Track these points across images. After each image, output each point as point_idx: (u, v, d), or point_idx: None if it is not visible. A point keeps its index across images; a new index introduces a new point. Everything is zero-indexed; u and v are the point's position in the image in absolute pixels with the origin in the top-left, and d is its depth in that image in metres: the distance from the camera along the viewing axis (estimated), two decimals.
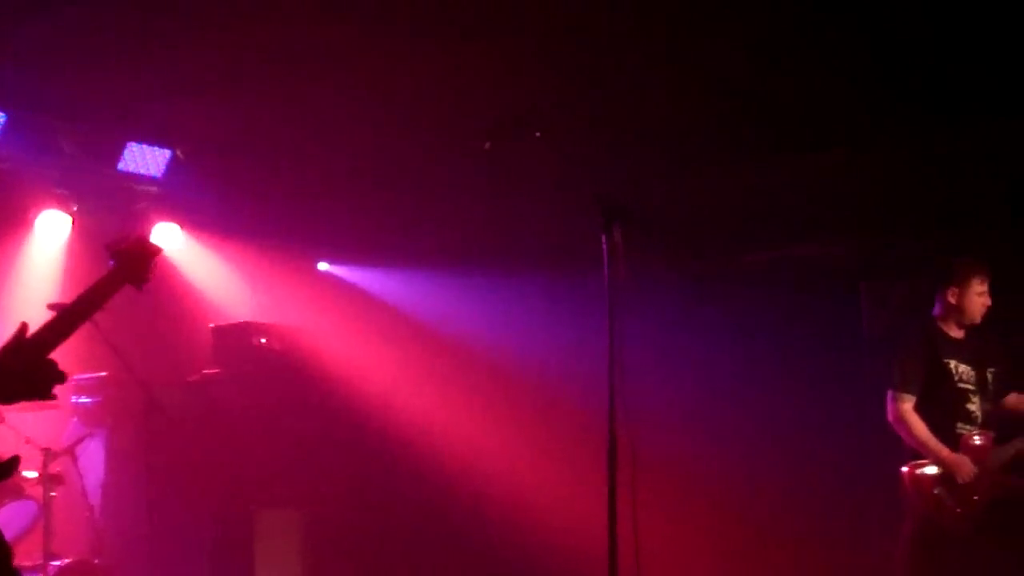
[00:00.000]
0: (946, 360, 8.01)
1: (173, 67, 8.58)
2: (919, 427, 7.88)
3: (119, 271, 5.43)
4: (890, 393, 8.02)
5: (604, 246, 5.98)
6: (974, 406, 7.98)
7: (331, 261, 11.83)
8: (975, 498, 7.79)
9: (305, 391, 10.32)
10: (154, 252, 5.50)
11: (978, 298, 8.05)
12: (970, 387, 8.01)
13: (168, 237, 10.38)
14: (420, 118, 9.10)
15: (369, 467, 10.80)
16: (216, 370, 10.16)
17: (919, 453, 7.91)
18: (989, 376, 8.07)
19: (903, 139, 9.19)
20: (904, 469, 7.93)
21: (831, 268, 10.32)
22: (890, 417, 8.01)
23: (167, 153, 10.10)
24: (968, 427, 7.92)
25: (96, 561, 9.09)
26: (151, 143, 10.02)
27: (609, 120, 8.74)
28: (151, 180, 10.18)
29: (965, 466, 7.77)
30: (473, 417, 11.01)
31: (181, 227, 10.50)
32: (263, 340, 10.25)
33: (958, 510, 7.78)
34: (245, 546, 9.79)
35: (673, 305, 10.31)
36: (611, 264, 5.96)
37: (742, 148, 9.51)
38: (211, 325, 10.45)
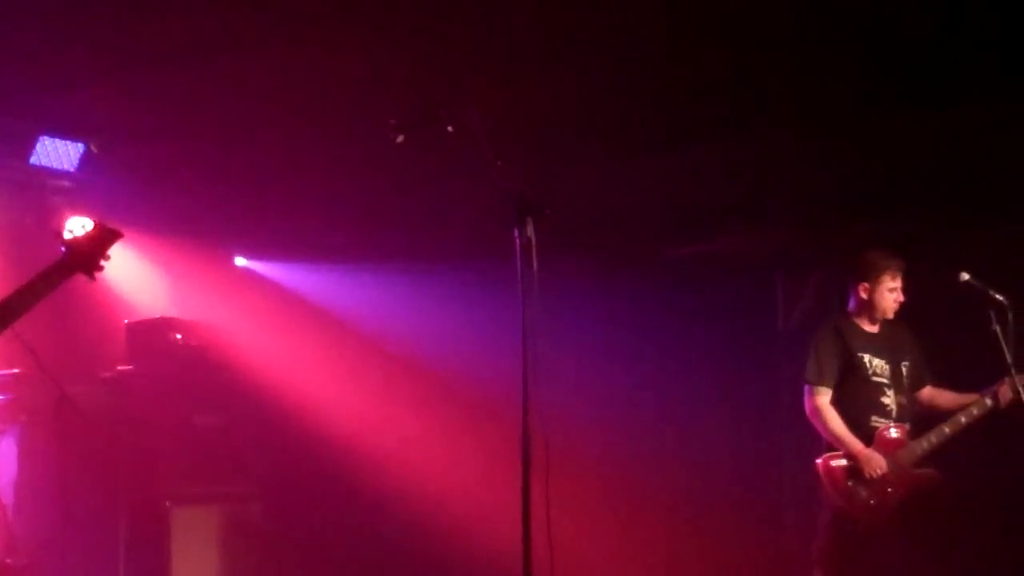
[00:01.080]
0: (860, 354, 8.14)
1: (85, 59, 8.49)
2: (834, 421, 8.01)
3: (67, 260, 5.39)
4: (806, 387, 8.14)
5: (517, 240, 5.97)
6: (888, 399, 8.12)
7: (248, 256, 11.75)
8: (889, 490, 7.89)
9: (222, 388, 10.24)
10: (112, 238, 5.44)
11: (890, 294, 8.19)
12: (884, 381, 8.15)
13: (81, 231, 10.25)
14: (333, 111, 9.07)
15: (285, 463, 10.75)
16: (131, 367, 10.04)
17: (834, 446, 8.02)
18: (903, 369, 8.18)
19: (819, 131, 9.23)
20: (819, 461, 8.04)
21: (746, 261, 10.38)
22: (807, 410, 8.13)
23: (80, 147, 9.99)
24: (883, 420, 8.06)
25: (9, 560, 8.96)
26: (64, 137, 9.91)
27: (523, 113, 8.74)
28: (64, 174, 10.07)
29: (875, 461, 7.90)
30: (388, 411, 11.00)
31: (95, 221, 10.38)
32: (179, 336, 10.15)
33: (871, 502, 7.88)
34: (161, 543, 9.70)
35: (588, 300, 10.35)
36: (524, 258, 5.95)
37: (658, 141, 9.53)
38: (126, 321, 10.33)
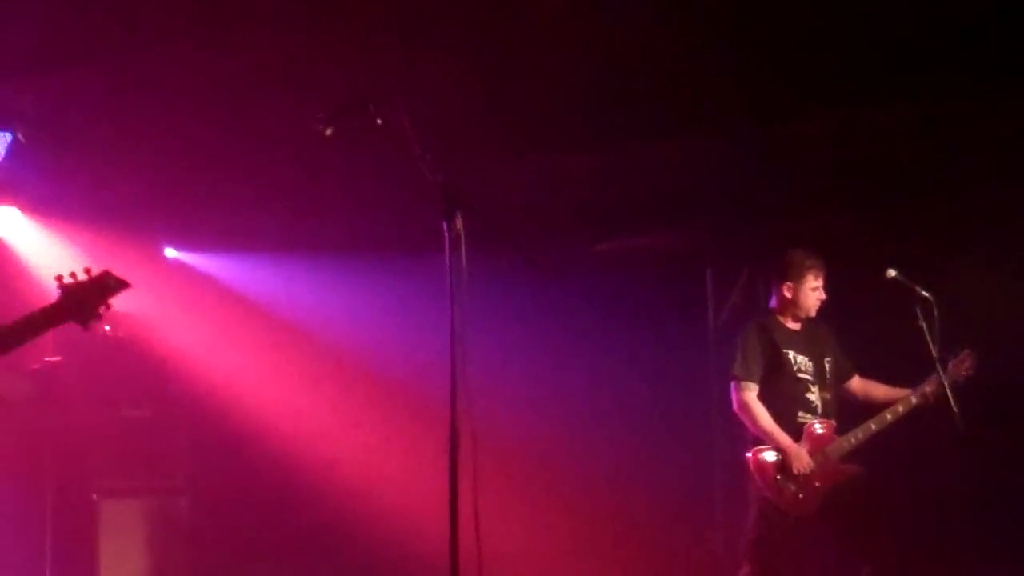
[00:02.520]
0: (785, 351, 8.24)
1: (12, 49, 8.40)
2: (763, 416, 8.10)
3: (61, 307, 5.20)
4: (733, 383, 8.23)
5: (446, 233, 5.96)
6: (814, 396, 8.23)
7: (178, 247, 11.67)
8: (816, 484, 7.98)
9: (150, 380, 10.18)
10: (116, 288, 5.24)
11: (812, 293, 8.30)
12: (809, 377, 8.27)
13: (9, 222, 10.20)
14: (262, 102, 9.03)
15: (213, 456, 10.69)
16: (58, 358, 9.97)
17: (762, 440, 8.11)
18: (826, 366, 8.28)
19: (749, 126, 9.28)
20: (748, 455, 8.14)
21: (677, 257, 10.42)
22: (735, 405, 8.23)
23: (7, 136, 9.88)
24: (809, 416, 8.17)
25: None
26: None
27: (453, 106, 8.73)
28: None
29: (803, 458, 7.99)
30: (316, 404, 10.98)
31: (22, 211, 10.31)
32: (107, 328, 10.06)
33: (799, 496, 7.98)
34: (88, 536, 9.66)
35: (518, 294, 10.34)
36: (453, 252, 5.94)
37: (589, 135, 9.54)
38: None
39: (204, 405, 10.62)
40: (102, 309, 5.36)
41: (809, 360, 8.29)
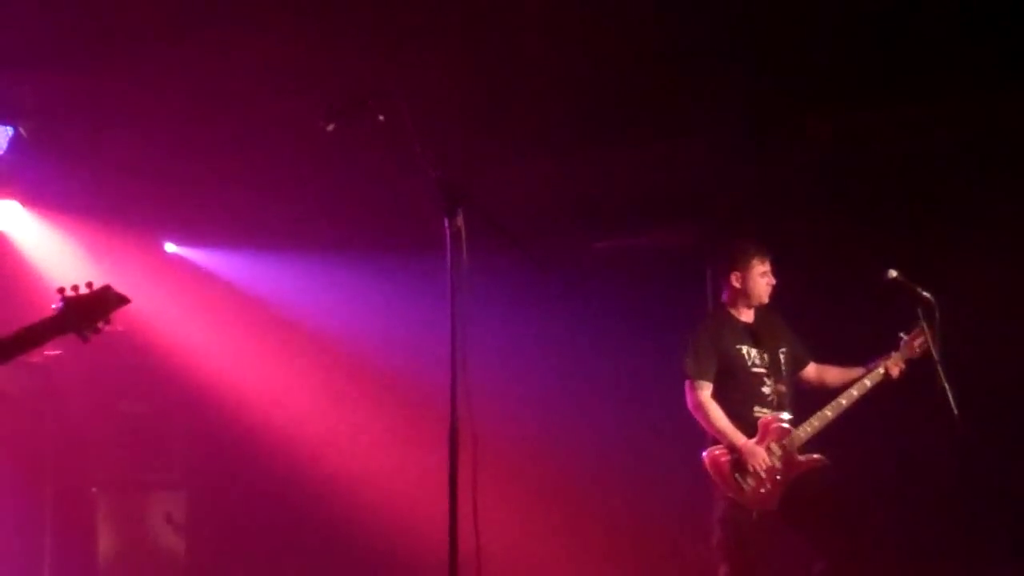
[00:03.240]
0: (738, 346, 8.21)
1: (14, 43, 8.41)
2: (716, 414, 8.06)
3: (61, 319, 5.23)
4: (687, 382, 8.18)
5: (447, 230, 5.97)
6: (769, 389, 8.18)
7: (178, 242, 11.68)
8: (777, 478, 7.97)
9: (148, 375, 10.19)
10: (116, 303, 5.28)
11: (761, 279, 8.26)
12: (763, 370, 8.21)
13: (10, 216, 10.21)
14: (264, 97, 9.04)
15: (213, 450, 10.71)
16: (58, 352, 9.97)
17: (718, 439, 8.09)
18: (781, 357, 8.27)
19: (751, 125, 9.29)
20: (704, 455, 8.13)
21: (676, 255, 10.41)
22: (689, 405, 8.19)
23: (9, 130, 9.89)
24: (765, 410, 8.12)
25: None
26: None
27: (455, 104, 8.75)
28: None
29: (758, 454, 7.96)
30: (316, 400, 10.99)
31: (23, 205, 10.32)
32: (106, 322, 10.07)
33: (761, 491, 7.95)
34: (86, 530, 9.68)
35: (518, 291, 10.35)
36: (454, 249, 5.95)
37: (589, 133, 9.56)
38: (53, 306, 10.22)
39: (203, 400, 10.64)
40: (101, 324, 5.39)
41: (763, 352, 8.23)
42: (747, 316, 8.35)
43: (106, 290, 5.39)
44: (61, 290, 5.36)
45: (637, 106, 9.05)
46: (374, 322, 11.09)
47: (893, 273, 8.00)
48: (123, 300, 5.40)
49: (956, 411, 7.78)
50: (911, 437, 8.41)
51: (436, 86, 8.44)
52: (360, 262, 11.02)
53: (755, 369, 8.20)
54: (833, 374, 8.40)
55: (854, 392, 8.14)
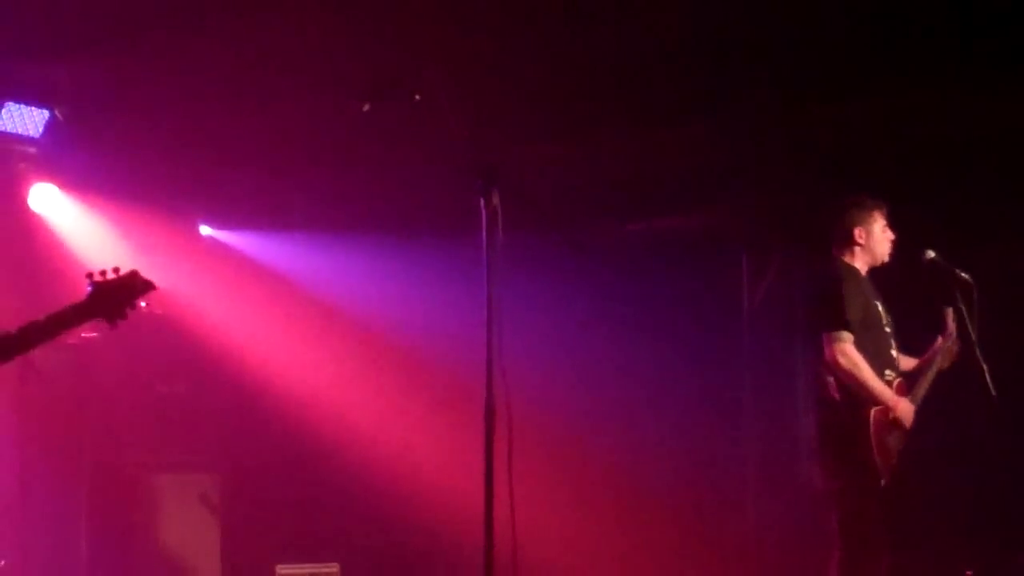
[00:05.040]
0: (875, 301, 7.77)
1: (51, 27, 8.44)
2: (868, 370, 7.49)
3: (91, 304, 5.27)
4: (825, 336, 7.56)
5: (482, 211, 5.95)
6: (895, 351, 7.80)
7: (213, 225, 11.70)
8: (900, 448, 7.60)
9: (185, 356, 10.22)
10: (144, 288, 5.30)
11: (883, 233, 7.88)
12: (890, 331, 7.82)
13: (47, 199, 10.25)
14: (300, 78, 9.04)
15: (248, 431, 10.73)
16: (94, 334, 10.01)
17: (856, 396, 7.51)
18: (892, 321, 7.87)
19: (784, 110, 9.25)
20: (871, 413, 7.47)
21: (712, 238, 10.38)
22: (828, 359, 7.52)
23: (45, 113, 9.92)
24: (892, 373, 7.70)
25: None
26: (29, 103, 9.84)
27: (491, 84, 8.72)
28: (29, 140, 10.01)
29: (910, 412, 7.59)
30: (353, 383, 10.97)
31: (60, 188, 10.35)
32: (143, 304, 10.09)
33: (894, 460, 7.54)
34: (123, 510, 9.72)
35: (553, 271, 10.34)
36: (489, 230, 5.94)
37: (624, 114, 9.52)
38: (89, 288, 10.27)
39: (238, 381, 10.65)
40: (129, 309, 5.48)
41: (887, 313, 7.82)
42: (865, 273, 7.87)
43: (133, 276, 5.47)
44: (90, 275, 5.41)
45: (675, 86, 8.99)
46: (409, 303, 11.08)
47: (931, 254, 7.83)
48: (149, 286, 5.47)
49: (994, 392, 7.67)
50: (948, 419, 8.28)
51: (471, 66, 8.42)
52: (394, 243, 11.01)
53: (887, 329, 7.77)
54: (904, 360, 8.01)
55: (943, 363, 7.85)
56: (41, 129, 9.94)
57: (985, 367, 7.68)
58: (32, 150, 10.07)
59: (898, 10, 7.95)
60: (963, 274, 7.77)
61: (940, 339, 7.94)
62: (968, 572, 8.16)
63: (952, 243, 8.02)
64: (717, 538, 10.09)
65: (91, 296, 5.36)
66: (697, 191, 10.18)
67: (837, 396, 7.55)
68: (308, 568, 10.01)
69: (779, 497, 9.32)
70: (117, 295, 5.40)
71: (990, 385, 7.65)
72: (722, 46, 8.35)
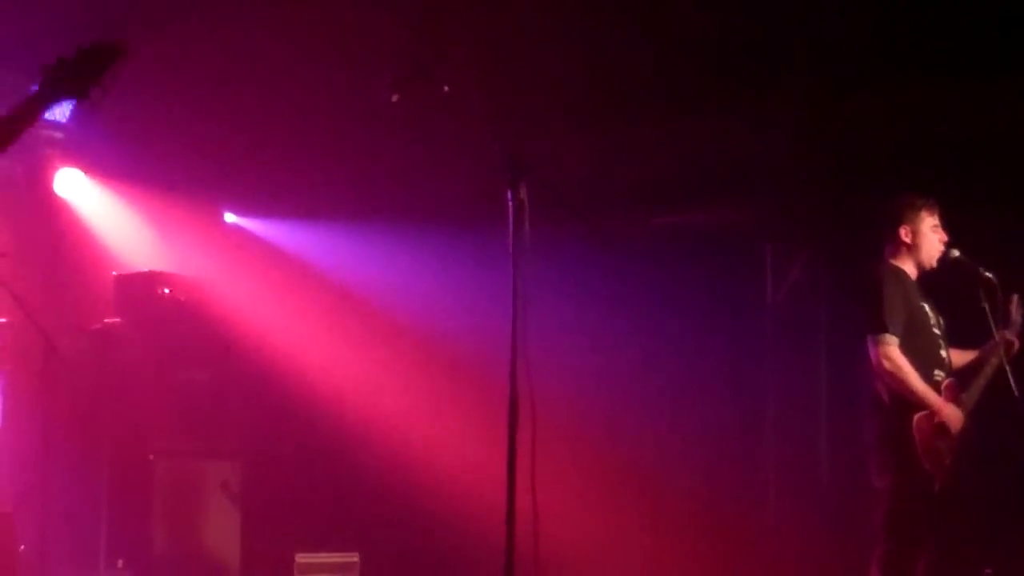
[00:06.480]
0: (922, 303, 7.64)
1: (77, 13, 8.45)
2: (914, 374, 7.37)
3: (47, 87, 4.81)
4: (871, 339, 7.44)
5: (510, 203, 5.94)
6: (944, 352, 7.64)
7: (238, 212, 11.73)
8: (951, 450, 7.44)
9: (207, 343, 10.24)
10: (109, 55, 4.81)
11: (932, 233, 7.70)
12: (939, 332, 7.68)
13: (72, 184, 10.30)
14: (328, 68, 9.05)
15: (270, 419, 10.75)
16: (118, 319, 10.05)
17: (907, 399, 7.37)
18: (943, 322, 7.73)
19: (810, 104, 9.23)
20: (917, 417, 7.33)
21: (736, 232, 10.36)
22: (875, 362, 7.41)
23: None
24: (942, 374, 7.54)
25: None
26: None
27: (519, 76, 8.73)
28: (56, 125, 10.05)
29: (959, 417, 7.45)
30: (375, 371, 10.99)
31: (86, 173, 10.39)
32: (167, 290, 10.14)
33: (946, 461, 7.40)
34: (143, 496, 9.75)
35: (578, 265, 10.33)
36: (516, 222, 5.92)
37: (651, 108, 9.51)
38: (114, 273, 10.32)
39: (261, 369, 10.66)
40: (101, 79, 4.87)
41: (936, 315, 7.66)
42: (914, 275, 7.69)
43: (95, 43, 4.86)
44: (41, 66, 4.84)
45: (701, 80, 8.98)
46: (433, 295, 11.09)
47: (956, 252, 7.76)
48: (116, 51, 4.85)
49: (1017, 392, 7.61)
50: (971, 418, 8.22)
51: (501, 58, 8.42)
52: (421, 234, 11.01)
53: (935, 330, 7.60)
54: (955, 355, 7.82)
55: (995, 361, 7.61)
56: (68, 114, 9.98)
57: (1008, 367, 7.61)
58: (59, 135, 10.14)
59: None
60: (987, 273, 7.70)
61: (1000, 332, 7.70)
62: (987, 571, 8.08)
63: (975, 239, 7.94)
64: (737, 535, 10.06)
65: (45, 77, 4.83)
66: (723, 185, 10.15)
67: (887, 400, 7.46)
68: (328, 557, 10.01)
69: (800, 495, 9.25)
70: (78, 68, 4.81)
71: (1013, 386, 7.58)
72: (754, 38, 8.33)
